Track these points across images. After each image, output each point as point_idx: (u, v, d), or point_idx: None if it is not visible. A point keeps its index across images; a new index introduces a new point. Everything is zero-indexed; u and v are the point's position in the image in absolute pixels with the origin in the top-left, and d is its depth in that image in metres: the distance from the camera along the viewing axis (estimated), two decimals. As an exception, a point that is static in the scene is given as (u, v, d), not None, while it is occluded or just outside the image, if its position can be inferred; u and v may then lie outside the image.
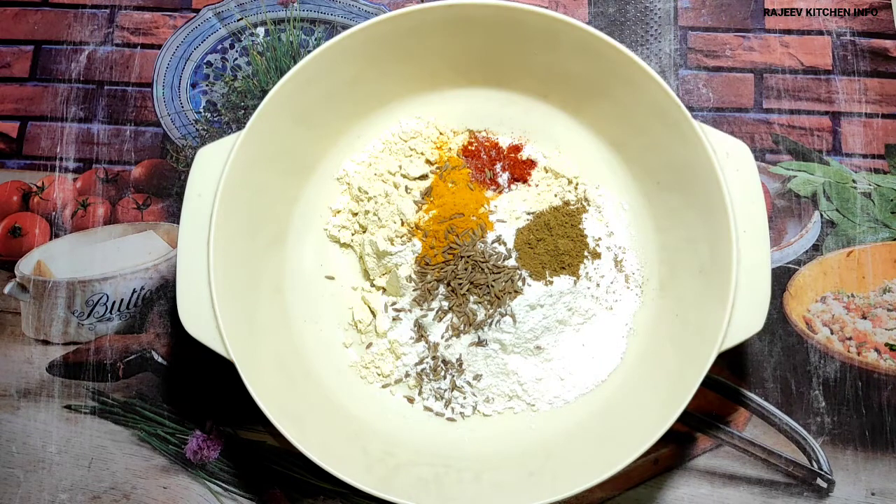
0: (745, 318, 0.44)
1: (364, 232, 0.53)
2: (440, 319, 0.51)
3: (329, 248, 0.54)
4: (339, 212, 0.54)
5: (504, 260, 0.50)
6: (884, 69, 0.59)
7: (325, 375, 0.51)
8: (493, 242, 0.51)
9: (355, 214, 0.53)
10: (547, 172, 0.54)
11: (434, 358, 0.51)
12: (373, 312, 0.52)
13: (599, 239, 0.52)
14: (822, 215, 0.57)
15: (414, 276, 0.51)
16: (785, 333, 0.55)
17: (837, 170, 0.58)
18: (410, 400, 0.51)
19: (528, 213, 0.52)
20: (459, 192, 0.52)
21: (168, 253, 0.57)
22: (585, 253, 0.51)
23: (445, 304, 0.50)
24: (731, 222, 0.45)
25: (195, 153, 0.48)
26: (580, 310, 0.51)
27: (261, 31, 0.61)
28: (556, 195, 0.53)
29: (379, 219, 0.52)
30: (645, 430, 0.44)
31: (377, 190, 0.53)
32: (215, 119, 0.59)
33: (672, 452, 0.53)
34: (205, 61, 0.60)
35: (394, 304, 0.52)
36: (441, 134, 0.55)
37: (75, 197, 0.58)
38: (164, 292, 0.56)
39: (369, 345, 0.52)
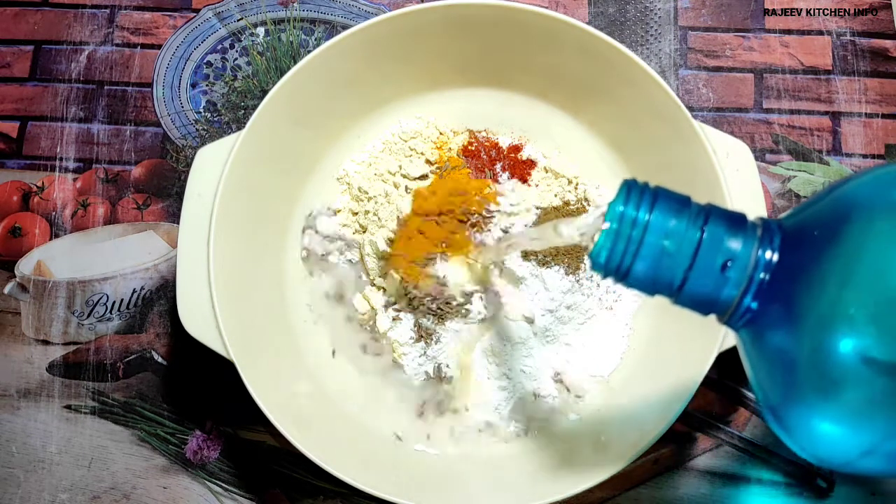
0: (745, 318, 0.44)
1: (364, 232, 0.53)
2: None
3: (329, 248, 0.54)
4: (339, 212, 0.54)
5: (504, 260, 0.50)
6: (884, 69, 0.59)
7: (326, 375, 0.51)
8: (493, 242, 0.51)
9: (355, 214, 0.53)
10: (547, 172, 0.54)
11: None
12: (373, 309, 0.52)
13: (599, 239, 0.51)
14: (822, 215, 0.57)
15: (414, 276, 0.51)
16: (785, 333, 0.55)
17: (837, 170, 0.58)
18: (410, 400, 0.51)
19: (537, 208, 0.52)
20: (459, 192, 0.52)
21: (168, 253, 0.57)
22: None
23: (445, 304, 0.50)
24: (731, 222, 0.45)
25: (195, 153, 0.48)
26: (580, 310, 0.51)
27: (261, 31, 0.61)
28: (556, 195, 0.53)
29: (379, 219, 0.52)
30: (645, 430, 0.44)
31: (377, 190, 0.53)
32: (215, 119, 0.59)
33: (672, 452, 0.53)
34: (205, 61, 0.60)
35: (394, 304, 0.52)
36: (441, 134, 0.55)
37: (75, 197, 0.58)
38: (164, 292, 0.56)
39: (369, 345, 0.52)
